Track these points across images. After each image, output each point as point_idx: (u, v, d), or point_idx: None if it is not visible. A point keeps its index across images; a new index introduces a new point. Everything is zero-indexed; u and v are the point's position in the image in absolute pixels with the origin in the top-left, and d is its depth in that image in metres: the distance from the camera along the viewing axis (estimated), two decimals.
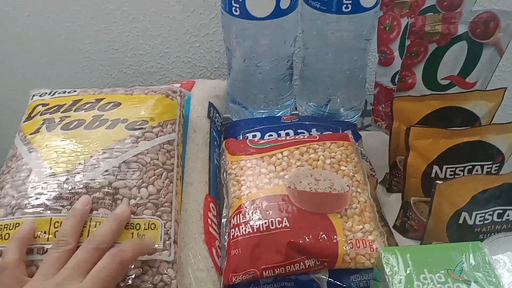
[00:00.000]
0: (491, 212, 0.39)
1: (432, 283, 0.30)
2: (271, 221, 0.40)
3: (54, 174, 0.37)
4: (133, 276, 0.34)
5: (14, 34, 0.66)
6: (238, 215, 0.42)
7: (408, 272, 0.31)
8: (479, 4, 0.51)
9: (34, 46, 0.67)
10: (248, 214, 0.41)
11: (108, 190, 0.37)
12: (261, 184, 0.44)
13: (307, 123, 0.53)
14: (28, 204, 0.35)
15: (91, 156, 0.38)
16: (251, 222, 0.41)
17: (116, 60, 0.69)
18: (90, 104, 0.43)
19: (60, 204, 0.36)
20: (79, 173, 0.37)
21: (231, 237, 0.41)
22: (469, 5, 0.51)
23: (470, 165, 0.42)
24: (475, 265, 0.31)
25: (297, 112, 0.63)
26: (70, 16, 0.64)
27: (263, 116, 0.59)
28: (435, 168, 0.42)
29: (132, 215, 0.36)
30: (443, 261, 0.31)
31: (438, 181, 0.37)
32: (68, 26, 0.65)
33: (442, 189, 0.37)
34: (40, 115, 0.42)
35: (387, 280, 0.30)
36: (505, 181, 0.38)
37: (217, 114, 0.54)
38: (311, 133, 0.52)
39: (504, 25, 0.45)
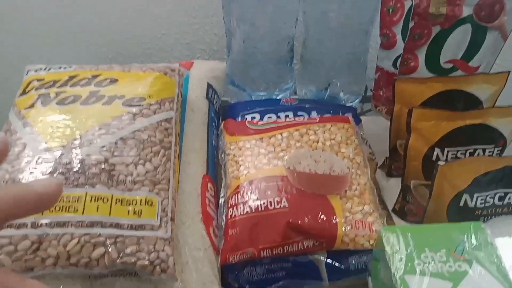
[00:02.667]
0: (492, 195, 0.38)
1: (433, 262, 0.29)
2: (270, 201, 0.40)
3: (49, 149, 0.36)
4: (129, 252, 0.33)
5: (11, 10, 0.65)
6: (236, 195, 0.41)
7: (409, 251, 0.30)
8: None
9: (30, 25, 0.66)
10: (247, 194, 0.41)
11: (105, 166, 0.36)
12: (260, 164, 0.43)
13: (307, 105, 0.53)
14: (22, 178, 0.35)
15: (87, 132, 0.38)
16: (250, 202, 0.40)
17: (113, 42, 0.68)
18: (86, 80, 0.42)
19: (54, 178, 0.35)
20: (75, 148, 0.37)
21: (229, 217, 0.40)
22: None
23: (472, 148, 0.42)
24: (477, 245, 0.30)
25: (296, 96, 0.62)
26: None
27: (262, 99, 0.58)
28: (437, 150, 0.42)
29: (128, 192, 0.35)
30: (445, 240, 0.30)
31: (440, 163, 0.36)
32: (66, 7, 0.64)
33: (444, 171, 0.37)
34: (35, 90, 0.41)
35: (387, 259, 0.30)
36: (508, 163, 0.37)
37: (215, 96, 0.53)
38: (311, 115, 0.51)
39: (509, 8, 0.45)
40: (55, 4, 0.64)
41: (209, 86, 0.52)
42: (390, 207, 0.49)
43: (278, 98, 0.58)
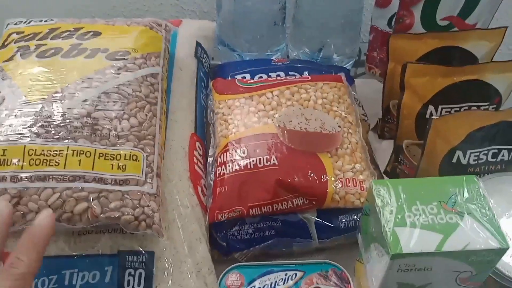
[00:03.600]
0: (486, 152, 0.37)
1: (424, 214, 0.29)
2: (259, 159, 0.39)
3: (29, 102, 0.35)
4: (113, 207, 0.32)
5: None
6: (225, 153, 0.40)
7: (399, 203, 0.29)
8: None
9: None
10: (235, 152, 0.40)
11: (87, 120, 0.35)
12: (249, 123, 0.42)
13: (299, 65, 0.51)
14: (2, 131, 0.33)
15: (69, 85, 0.36)
16: (238, 160, 0.39)
17: (100, 0, 0.65)
18: (68, 32, 0.40)
19: (35, 132, 0.33)
20: (55, 101, 0.35)
21: (217, 175, 0.39)
22: None
23: (467, 105, 0.41)
24: (469, 197, 0.30)
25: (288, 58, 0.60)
26: None
27: (253, 59, 0.56)
28: (430, 108, 0.41)
29: (112, 146, 0.34)
30: (436, 193, 0.30)
31: (434, 116, 0.35)
32: None
33: (438, 125, 0.36)
34: (15, 42, 0.39)
35: (377, 211, 0.29)
36: (503, 118, 0.36)
37: (205, 55, 0.52)
38: (302, 75, 0.50)
39: None
40: None
41: (198, 44, 0.51)
42: (382, 170, 0.48)
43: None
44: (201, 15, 0.67)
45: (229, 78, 0.50)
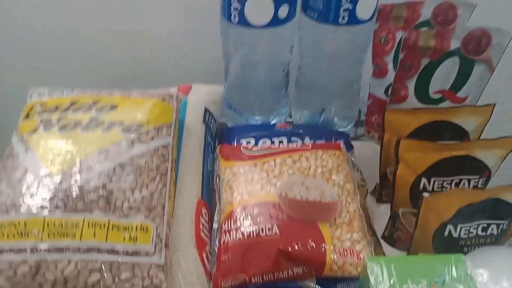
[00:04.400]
0: (476, 226, 0.39)
1: None
2: (261, 227, 0.41)
3: (50, 175, 0.38)
4: (124, 278, 0.34)
5: (15, 31, 0.67)
6: (229, 221, 0.43)
7: (392, 282, 0.31)
8: (473, 20, 0.52)
9: (34, 46, 0.68)
10: (239, 220, 0.42)
11: (102, 192, 0.37)
12: (253, 190, 0.44)
13: (300, 131, 0.54)
14: (23, 203, 0.36)
15: (87, 158, 0.39)
16: (242, 228, 0.41)
17: (114, 63, 0.69)
18: (88, 105, 0.44)
19: (54, 204, 0.36)
20: (74, 174, 0.38)
21: (222, 243, 0.42)
22: (463, 20, 0.52)
23: (458, 178, 0.43)
24: (457, 277, 0.32)
25: (291, 120, 0.63)
26: (71, 18, 0.65)
27: (258, 122, 0.60)
28: (424, 180, 0.43)
29: (125, 218, 0.37)
30: (426, 272, 0.32)
31: (425, 194, 0.38)
32: (68, 27, 0.66)
33: (429, 202, 0.38)
34: (38, 115, 0.43)
35: None
36: (490, 195, 0.39)
37: (212, 120, 0.55)
38: (304, 141, 0.53)
39: (495, 42, 0.46)
40: (59, 25, 0.66)
41: (206, 110, 0.54)
42: (380, 233, 0.50)
43: (273, 122, 0.60)
44: (209, 75, 0.71)
45: (235, 143, 0.53)
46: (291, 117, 0.64)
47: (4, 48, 0.69)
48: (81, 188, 0.37)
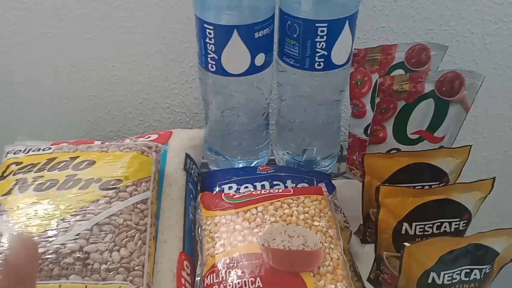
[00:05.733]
0: (459, 272, 0.39)
1: None
2: (244, 281, 0.40)
3: None
4: None
5: None
6: (211, 275, 0.42)
7: None
8: (448, 60, 0.54)
9: (13, 92, 0.68)
10: (221, 274, 0.41)
11: (79, 255, 0.37)
12: (235, 241, 0.44)
13: (282, 174, 0.54)
14: None
15: (63, 219, 0.38)
16: (224, 283, 0.41)
17: (95, 106, 0.69)
18: (65, 162, 0.43)
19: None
20: (50, 237, 0.37)
21: None
22: (436, 62, 0.53)
23: (439, 222, 0.43)
24: None
25: (273, 158, 0.63)
26: (51, 63, 0.65)
27: (241, 165, 0.60)
28: (405, 225, 0.43)
29: (102, 281, 0.36)
30: None
31: (406, 243, 0.38)
32: (48, 73, 0.66)
33: (411, 251, 0.38)
34: (13, 174, 0.42)
35: None
36: (471, 241, 0.39)
37: (193, 166, 0.55)
38: (286, 184, 0.53)
39: (468, 83, 0.47)
40: (39, 70, 0.65)
41: (187, 156, 0.54)
42: (365, 274, 0.49)
43: (255, 164, 0.60)
44: (191, 115, 0.72)
45: (217, 188, 0.53)
46: (273, 155, 0.64)
47: None
48: (56, 251, 0.36)
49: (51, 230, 0.38)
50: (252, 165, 0.60)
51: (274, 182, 0.53)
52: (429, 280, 0.39)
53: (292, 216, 0.46)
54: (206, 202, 0.49)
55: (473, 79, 0.47)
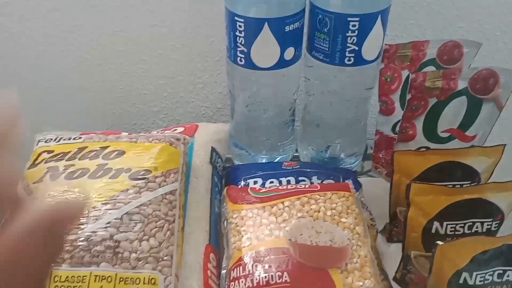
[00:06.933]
0: (491, 273, 0.38)
1: None
2: (271, 275, 0.40)
3: None
4: None
5: (22, 71, 0.67)
6: (238, 268, 0.42)
7: None
8: (479, 58, 0.52)
9: (41, 83, 0.69)
10: (248, 267, 0.41)
11: (110, 243, 0.37)
12: (261, 235, 0.44)
13: (308, 170, 0.54)
14: None
15: (94, 207, 0.39)
16: (251, 276, 0.40)
17: (121, 99, 0.70)
18: (95, 152, 0.43)
19: (61, 256, 0.36)
20: (81, 224, 0.37)
21: None
22: (469, 60, 0.52)
23: (471, 221, 0.42)
24: None
25: (297, 154, 0.63)
26: (79, 55, 0.66)
27: (264, 160, 0.59)
28: (436, 224, 0.42)
29: (132, 270, 0.36)
30: None
31: (439, 242, 0.37)
32: (75, 65, 0.66)
33: (443, 250, 0.37)
34: (45, 162, 0.43)
35: None
36: (505, 242, 0.38)
37: (219, 159, 0.55)
38: (311, 180, 0.52)
39: (503, 81, 0.46)
40: (66, 63, 0.66)
41: (213, 150, 0.54)
42: (391, 274, 0.49)
43: (280, 159, 0.59)
44: (215, 110, 0.72)
45: (242, 182, 0.53)
46: (297, 151, 0.63)
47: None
48: (87, 239, 0.37)
49: (82, 217, 0.38)
50: (275, 160, 0.60)
51: (300, 178, 0.53)
52: (461, 281, 0.38)
53: (319, 212, 0.46)
54: (232, 195, 0.49)
55: (508, 77, 0.46)
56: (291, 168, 0.54)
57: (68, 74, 0.67)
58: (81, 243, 0.36)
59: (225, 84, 0.68)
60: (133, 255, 0.37)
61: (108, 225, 0.38)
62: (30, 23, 0.63)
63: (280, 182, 0.52)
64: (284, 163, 0.56)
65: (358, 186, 0.53)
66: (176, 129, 0.55)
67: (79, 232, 0.37)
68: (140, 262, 0.37)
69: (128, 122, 0.72)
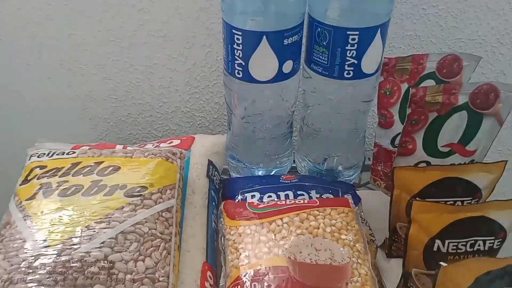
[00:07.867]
0: None
1: None
2: None
3: (49, 246, 0.36)
4: None
5: (15, 79, 0.66)
6: (236, 287, 0.41)
7: None
8: (477, 69, 0.52)
9: (34, 93, 0.67)
10: (246, 286, 0.40)
11: (104, 264, 0.36)
12: (260, 253, 0.43)
13: (306, 184, 0.53)
14: (21, 278, 0.34)
15: (88, 226, 0.37)
16: None
17: (115, 109, 0.69)
18: (89, 167, 0.42)
19: (54, 279, 0.34)
20: (75, 244, 0.36)
21: None
22: (468, 73, 0.51)
23: (473, 239, 0.42)
24: None
25: (295, 165, 0.62)
26: (72, 64, 0.64)
27: (262, 172, 0.58)
28: (437, 242, 0.42)
29: None
30: None
31: (442, 263, 0.36)
32: (69, 74, 0.65)
33: (447, 271, 0.37)
34: (37, 178, 0.42)
35: None
36: (509, 263, 0.37)
37: (216, 172, 0.54)
38: (310, 194, 0.51)
39: (504, 96, 0.46)
40: (60, 72, 0.65)
41: (209, 163, 0.53)
42: None
43: (277, 172, 0.59)
44: (211, 120, 0.71)
45: (239, 196, 0.52)
46: (294, 162, 0.63)
47: (3, 97, 0.68)
48: (81, 260, 0.35)
49: (76, 237, 0.37)
50: (272, 173, 0.59)
51: (298, 192, 0.52)
52: None
53: (318, 228, 0.45)
54: (229, 211, 0.48)
55: (508, 92, 0.46)
56: (289, 181, 0.54)
57: (62, 83, 0.66)
58: (74, 264, 0.35)
59: (221, 94, 0.68)
60: (128, 276, 0.36)
61: (103, 245, 0.37)
62: (24, 32, 0.62)
63: (279, 196, 0.51)
64: (283, 176, 0.55)
65: (357, 200, 0.52)
66: (172, 141, 0.54)
67: (73, 252, 0.36)
68: (135, 284, 0.35)
69: (122, 132, 0.71)
